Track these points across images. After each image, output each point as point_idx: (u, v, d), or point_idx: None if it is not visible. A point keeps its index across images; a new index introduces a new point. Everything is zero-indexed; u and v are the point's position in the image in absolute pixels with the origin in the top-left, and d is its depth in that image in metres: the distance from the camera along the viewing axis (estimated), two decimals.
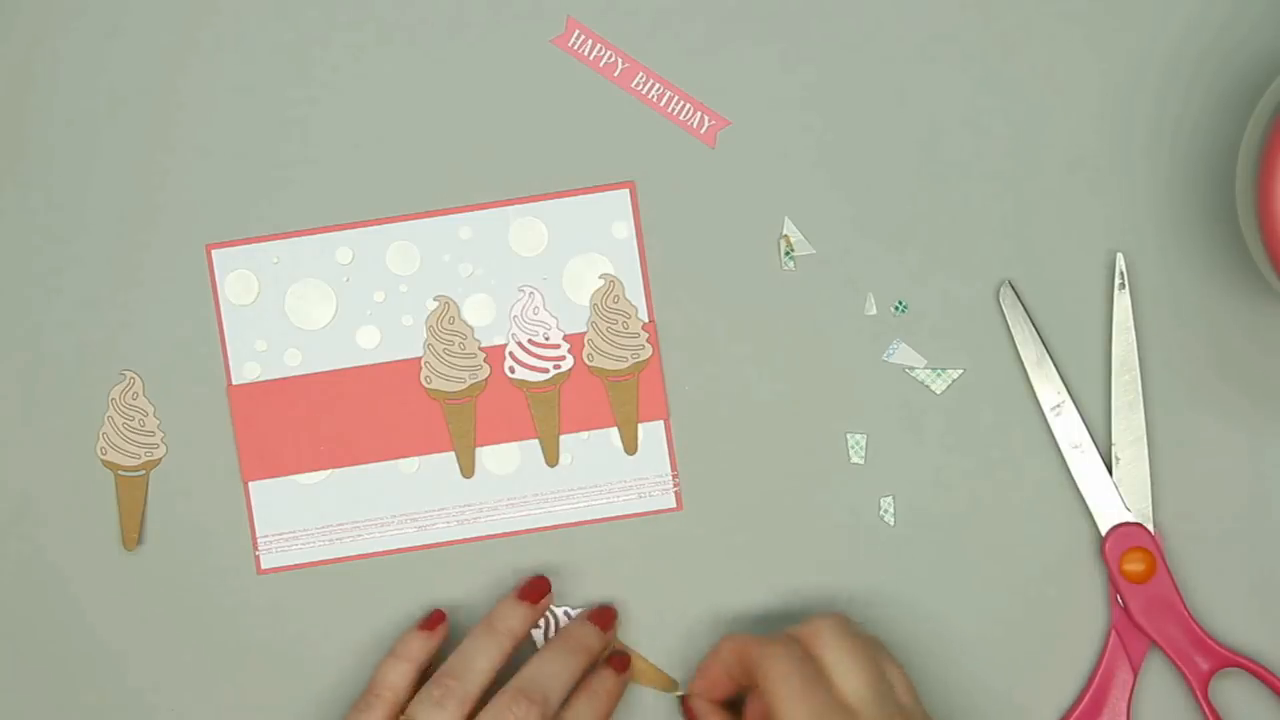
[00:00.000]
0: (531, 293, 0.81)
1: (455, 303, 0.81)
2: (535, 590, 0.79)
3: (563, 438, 0.81)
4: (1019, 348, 0.79)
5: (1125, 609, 0.78)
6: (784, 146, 0.80)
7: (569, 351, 0.80)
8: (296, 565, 0.81)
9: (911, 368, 0.80)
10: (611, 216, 0.80)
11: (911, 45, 0.80)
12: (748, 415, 0.80)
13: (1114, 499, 0.79)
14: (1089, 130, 0.80)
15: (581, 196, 0.80)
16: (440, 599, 0.80)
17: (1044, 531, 0.80)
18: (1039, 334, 0.79)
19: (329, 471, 0.81)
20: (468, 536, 0.81)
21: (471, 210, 0.81)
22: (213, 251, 0.81)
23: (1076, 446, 0.79)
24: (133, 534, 0.81)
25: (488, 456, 0.81)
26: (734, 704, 0.78)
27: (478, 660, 0.76)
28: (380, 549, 0.81)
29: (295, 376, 0.81)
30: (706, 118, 0.80)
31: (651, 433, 0.80)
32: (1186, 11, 0.79)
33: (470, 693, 0.75)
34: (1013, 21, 0.80)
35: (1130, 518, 0.79)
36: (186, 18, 0.81)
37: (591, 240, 0.81)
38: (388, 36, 0.81)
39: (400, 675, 0.77)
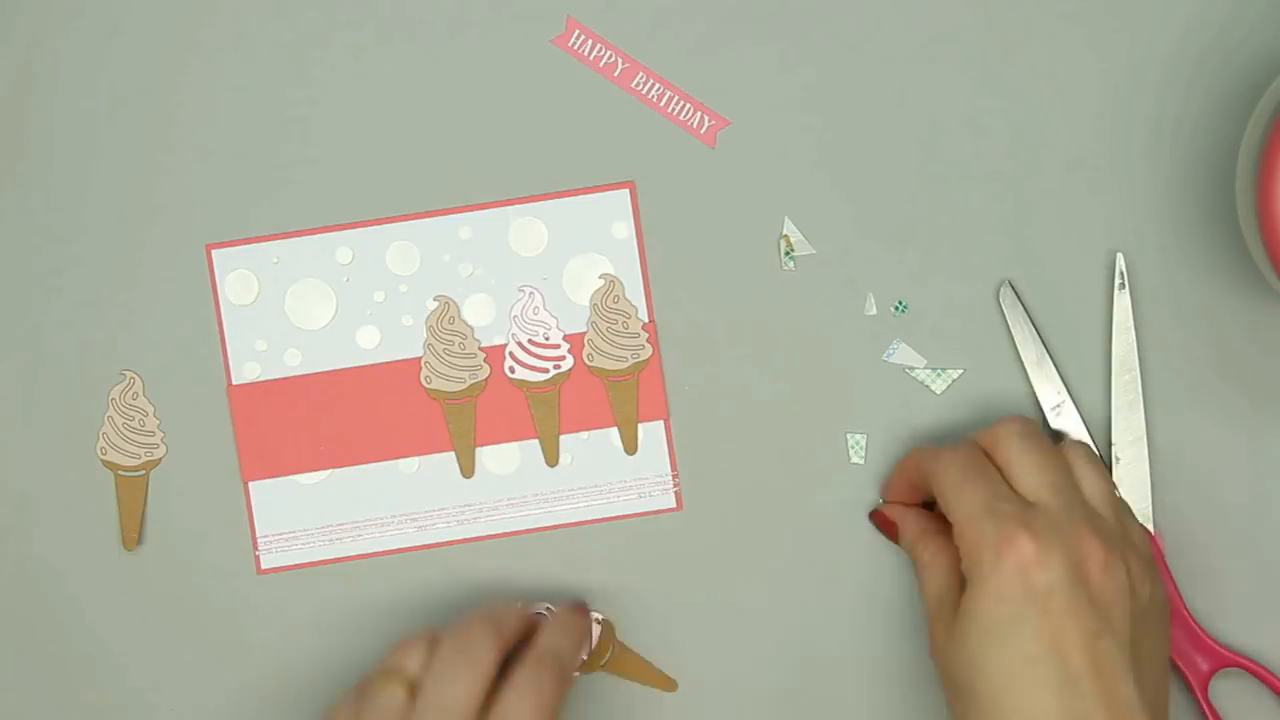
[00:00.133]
0: (531, 293, 0.81)
1: (455, 303, 0.81)
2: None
3: (563, 438, 0.81)
4: (1019, 348, 0.79)
5: None
6: (784, 146, 0.80)
7: (569, 351, 0.80)
8: (296, 565, 0.81)
9: (911, 368, 0.80)
10: (611, 216, 0.81)
11: (911, 45, 0.80)
12: (748, 415, 0.80)
13: None
14: (1089, 130, 0.80)
15: (581, 196, 0.80)
16: (440, 599, 0.80)
17: None
18: (1039, 334, 0.79)
19: (329, 471, 0.81)
20: (468, 536, 0.81)
21: (471, 210, 0.81)
22: (213, 251, 0.81)
23: None
24: (133, 534, 0.81)
25: (488, 456, 0.81)
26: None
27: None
28: (380, 549, 0.81)
29: (295, 376, 0.81)
30: (706, 118, 0.80)
31: (651, 433, 0.80)
32: (1186, 11, 0.79)
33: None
34: (1013, 21, 0.80)
35: None
36: (187, 18, 0.81)
37: (591, 240, 0.81)
38: (388, 36, 0.81)
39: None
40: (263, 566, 0.81)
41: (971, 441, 0.74)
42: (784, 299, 0.80)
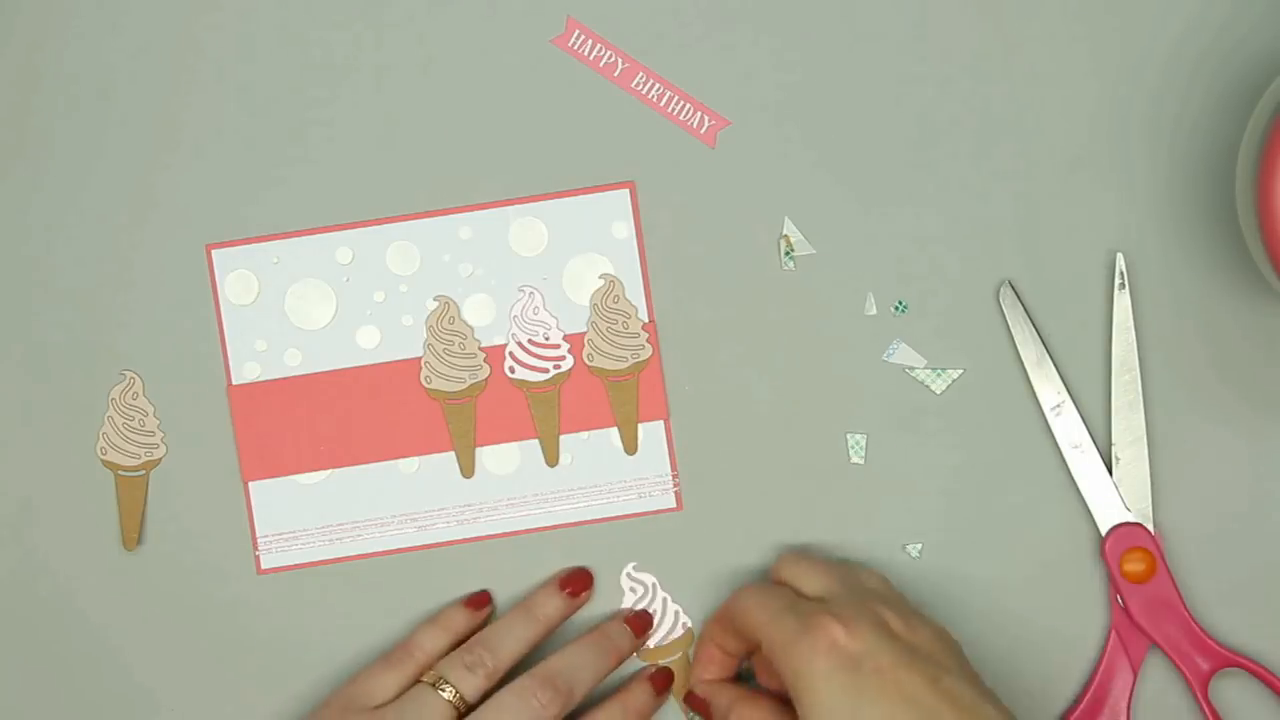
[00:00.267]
0: (531, 293, 0.81)
1: (455, 303, 0.81)
2: (576, 582, 0.79)
3: (563, 438, 0.81)
4: (1019, 348, 0.79)
5: (1125, 609, 0.78)
6: (784, 146, 0.80)
7: (569, 351, 0.80)
8: (296, 565, 0.81)
9: (911, 368, 0.80)
10: (611, 216, 0.80)
11: (911, 45, 0.80)
12: (748, 415, 0.80)
13: (1114, 499, 0.79)
14: (1089, 130, 0.80)
15: (581, 196, 0.80)
16: (440, 599, 0.80)
17: (1044, 531, 0.80)
18: (1039, 334, 0.79)
19: (329, 471, 0.81)
20: (468, 536, 0.81)
21: (471, 210, 0.81)
22: (213, 251, 0.81)
23: (1076, 446, 0.79)
24: (133, 534, 0.81)
25: (488, 456, 0.81)
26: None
27: (510, 639, 0.77)
28: (380, 549, 0.81)
29: (295, 376, 0.81)
30: (706, 118, 0.80)
31: (651, 433, 0.80)
32: (1186, 11, 0.79)
33: (499, 667, 0.76)
34: (1012, 21, 0.80)
35: (1130, 518, 0.79)
36: (187, 18, 0.81)
37: (591, 240, 0.81)
38: (387, 36, 0.81)
39: (435, 641, 0.78)
40: (263, 566, 0.81)
41: (756, 582, 0.77)
42: (784, 299, 0.80)
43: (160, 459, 0.81)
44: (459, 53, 0.81)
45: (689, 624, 0.80)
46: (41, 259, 0.81)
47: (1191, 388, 0.80)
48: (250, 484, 0.81)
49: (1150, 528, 0.79)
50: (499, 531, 0.81)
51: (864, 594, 0.73)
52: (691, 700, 0.78)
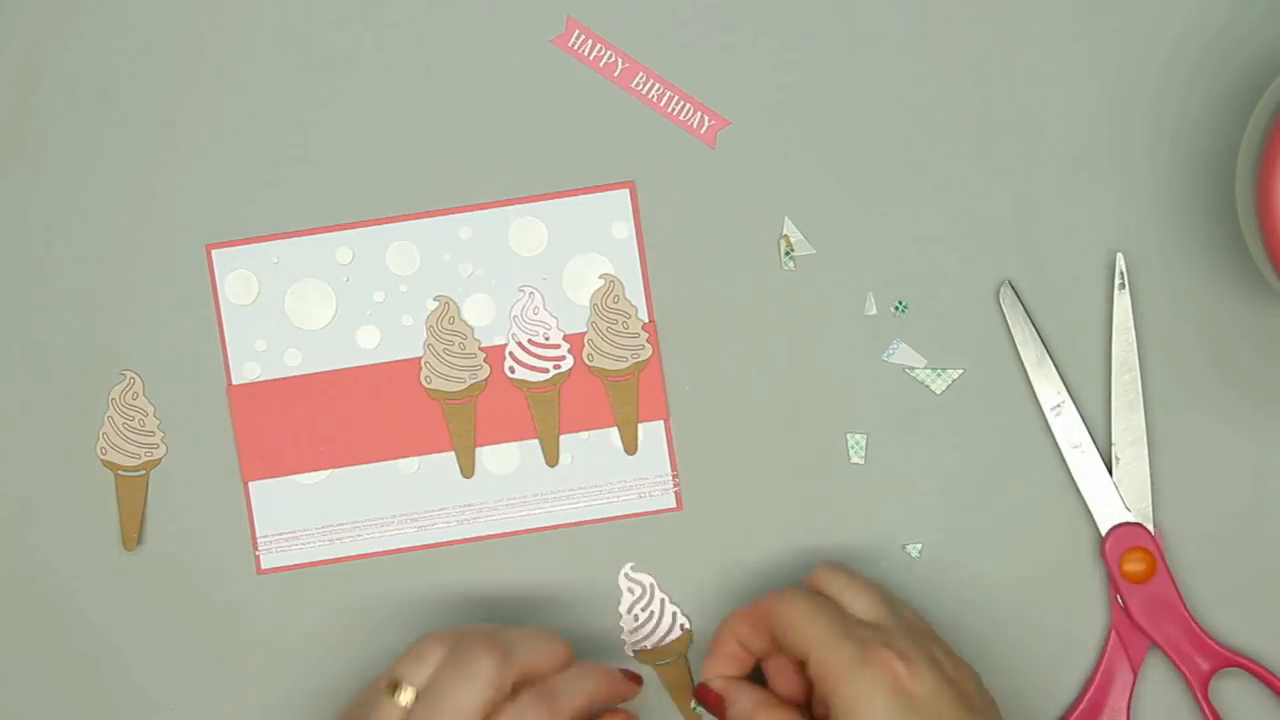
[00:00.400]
0: (531, 293, 0.81)
1: (455, 303, 0.81)
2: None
3: (563, 438, 0.81)
4: (1019, 348, 0.79)
5: (1125, 609, 0.78)
6: (784, 146, 0.80)
7: (569, 351, 0.80)
8: (296, 565, 0.81)
9: (911, 368, 0.80)
10: (611, 216, 0.80)
11: (911, 45, 0.80)
12: (748, 415, 0.80)
13: (1114, 499, 0.79)
14: (1089, 130, 0.80)
15: (581, 196, 0.80)
16: (440, 599, 0.80)
17: (1044, 531, 0.80)
18: (1039, 334, 0.79)
19: (329, 471, 0.81)
20: (468, 536, 0.81)
21: (471, 210, 0.81)
22: (213, 251, 0.81)
23: (1076, 446, 0.79)
24: (133, 534, 0.81)
25: (488, 456, 0.81)
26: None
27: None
28: (380, 549, 0.81)
29: (295, 376, 0.81)
30: (706, 118, 0.80)
31: (651, 433, 0.80)
32: (1186, 11, 0.79)
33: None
34: (1013, 21, 0.80)
35: (1130, 518, 0.79)
36: (187, 17, 0.81)
37: (591, 240, 0.81)
38: (388, 36, 0.81)
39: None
40: (263, 566, 0.81)
41: (794, 587, 0.75)
42: (784, 299, 0.80)
43: (160, 459, 0.81)
44: (459, 53, 0.81)
45: (686, 625, 0.80)
46: (41, 259, 0.81)
47: (1191, 388, 0.79)
48: (250, 484, 0.81)
49: (1150, 528, 0.79)
50: (499, 531, 0.81)
51: (911, 627, 0.73)
52: (705, 694, 0.75)
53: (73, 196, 0.81)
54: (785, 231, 0.80)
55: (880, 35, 0.80)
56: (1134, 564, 0.78)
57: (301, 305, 0.81)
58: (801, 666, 0.73)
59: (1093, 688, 0.79)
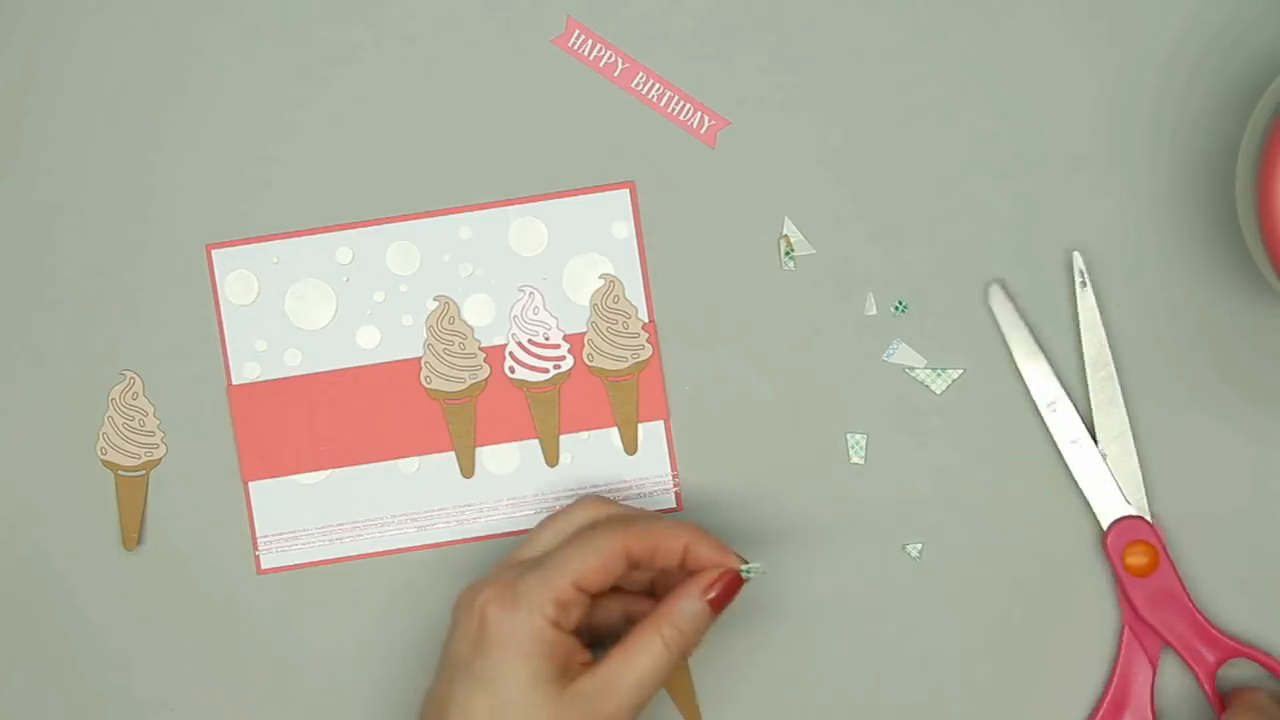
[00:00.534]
0: (531, 293, 0.81)
1: (455, 303, 0.81)
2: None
3: (563, 438, 0.81)
4: (1010, 345, 0.79)
5: (1130, 603, 0.78)
6: (784, 146, 0.80)
7: (569, 351, 0.80)
8: (296, 565, 0.81)
9: (911, 368, 0.80)
10: (611, 216, 0.80)
11: (911, 45, 0.80)
12: (748, 415, 0.80)
13: (1114, 492, 0.79)
14: (1089, 130, 0.80)
15: (581, 196, 0.80)
16: (440, 599, 0.80)
17: (1046, 529, 0.80)
18: (1031, 332, 0.79)
19: (329, 471, 0.81)
20: (468, 536, 0.81)
21: (471, 210, 0.81)
22: (213, 251, 0.81)
23: (1074, 441, 0.79)
24: (133, 534, 0.81)
25: (488, 456, 0.81)
26: None
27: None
28: (380, 549, 0.81)
29: (295, 376, 0.81)
30: (706, 118, 0.80)
31: (651, 433, 0.80)
32: (1186, 11, 0.79)
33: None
34: (1013, 22, 0.80)
35: (1131, 510, 0.79)
36: (187, 18, 0.81)
37: (591, 240, 0.81)
38: (388, 36, 0.81)
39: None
40: (263, 566, 0.81)
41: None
42: (784, 299, 0.80)
43: (160, 459, 0.81)
44: (459, 53, 0.81)
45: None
46: (41, 259, 0.81)
47: (1192, 387, 0.80)
48: (250, 484, 0.81)
49: (1147, 517, 0.79)
50: (499, 531, 0.81)
51: None
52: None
53: (73, 196, 0.81)
54: (785, 231, 0.80)
55: (880, 35, 0.80)
56: (1136, 557, 0.78)
57: (301, 305, 0.81)
58: None
59: (1114, 685, 0.78)
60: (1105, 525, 0.79)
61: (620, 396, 0.80)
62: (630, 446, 0.80)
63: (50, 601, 0.81)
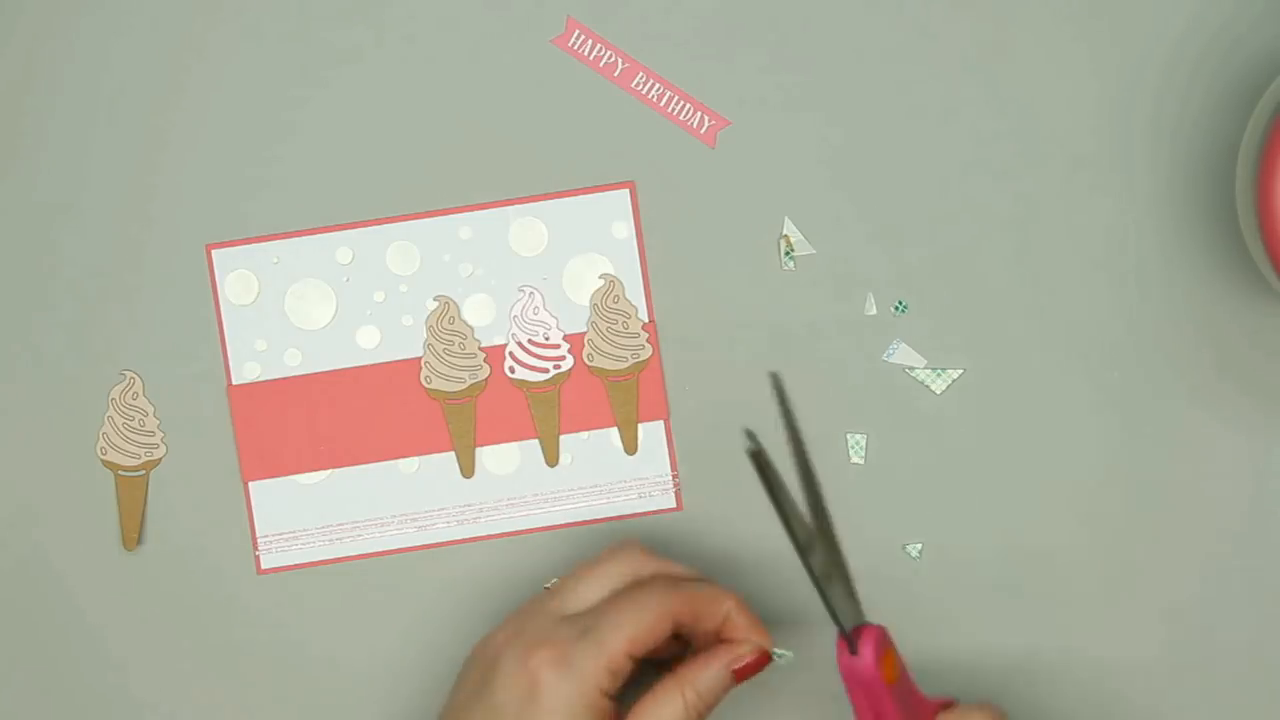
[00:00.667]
0: (531, 293, 0.81)
1: (455, 303, 0.81)
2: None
3: (563, 438, 0.81)
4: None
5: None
6: (784, 146, 0.80)
7: (569, 351, 0.80)
8: (296, 565, 0.81)
9: (911, 368, 0.80)
10: (611, 216, 0.81)
11: (911, 45, 0.80)
12: (748, 415, 0.80)
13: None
14: (1089, 130, 0.80)
15: (581, 196, 0.80)
16: (440, 599, 0.80)
17: (1045, 530, 0.80)
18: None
19: (329, 471, 0.81)
20: (468, 536, 0.81)
21: (471, 210, 0.81)
22: (213, 251, 0.81)
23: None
24: (133, 534, 0.81)
25: (488, 456, 0.81)
26: None
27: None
28: (380, 549, 0.81)
29: (295, 376, 0.81)
30: (706, 118, 0.80)
31: (651, 433, 0.80)
32: (1186, 11, 0.79)
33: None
34: (1013, 22, 0.80)
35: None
36: (187, 18, 0.81)
37: (591, 240, 0.81)
38: (388, 36, 0.81)
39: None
40: (263, 566, 0.81)
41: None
42: (784, 299, 0.80)
43: (160, 459, 0.81)
44: (459, 52, 0.81)
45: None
46: (41, 259, 0.81)
47: (1192, 387, 0.80)
48: (250, 484, 0.81)
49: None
50: (499, 531, 0.81)
51: None
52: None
53: (73, 197, 0.81)
54: (785, 231, 0.80)
55: (880, 35, 0.80)
56: (890, 668, 0.73)
57: (301, 305, 0.81)
58: None
59: None
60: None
61: (620, 396, 0.80)
62: (630, 446, 0.80)
63: (50, 601, 0.81)
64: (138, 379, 0.81)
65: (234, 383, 0.81)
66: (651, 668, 0.74)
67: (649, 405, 0.80)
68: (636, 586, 0.73)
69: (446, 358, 0.80)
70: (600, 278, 0.81)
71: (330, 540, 0.81)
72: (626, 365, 0.80)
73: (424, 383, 0.81)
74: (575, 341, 0.80)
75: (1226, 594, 0.79)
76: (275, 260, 0.81)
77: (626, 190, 0.80)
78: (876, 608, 0.80)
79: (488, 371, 0.80)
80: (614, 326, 0.80)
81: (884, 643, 0.69)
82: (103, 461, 0.81)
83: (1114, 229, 0.80)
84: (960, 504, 0.80)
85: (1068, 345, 0.80)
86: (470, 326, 0.81)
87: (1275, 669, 0.79)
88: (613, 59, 0.80)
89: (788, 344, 0.80)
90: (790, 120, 0.80)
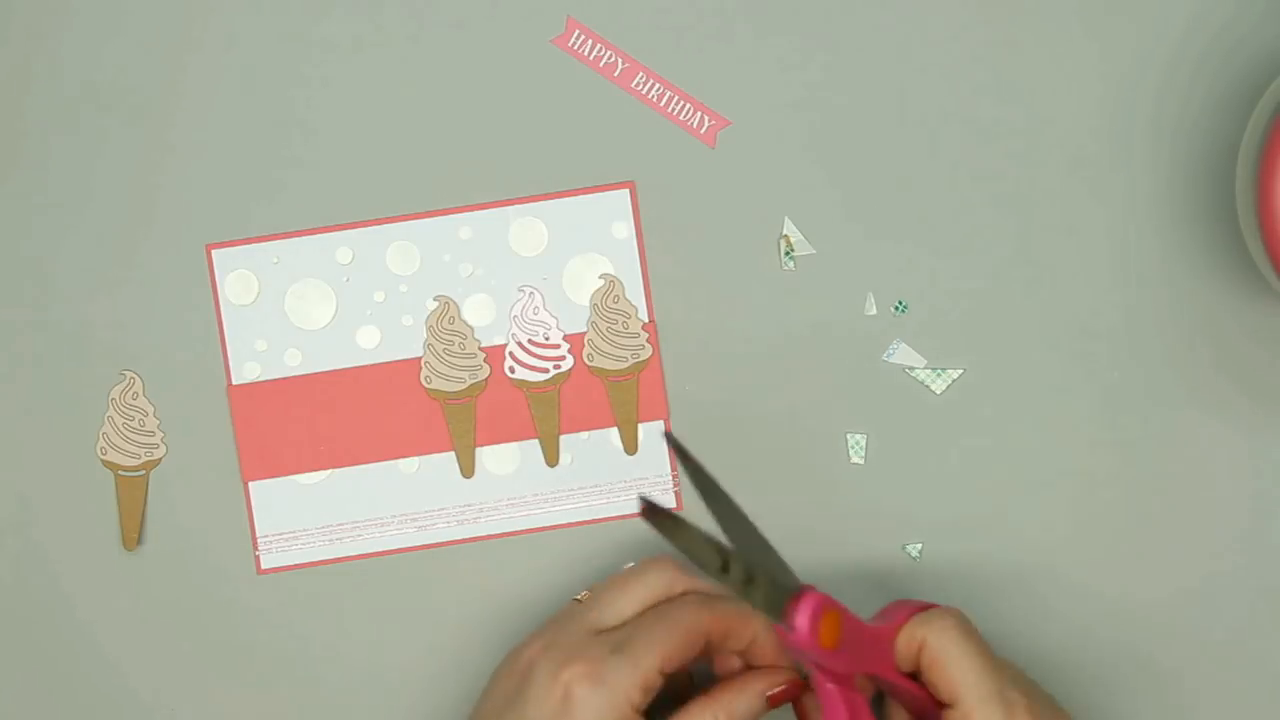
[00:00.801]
0: (531, 293, 0.81)
1: (455, 303, 0.81)
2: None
3: (563, 438, 0.81)
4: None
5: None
6: (784, 146, 0.80)
7: (569, 351, 0.80)
8: (296, 565, 0.81)
9: (911, 368, 0.80)
10: (611, 216, 0.80)
11: (912, 45, 0.80)
12: (748, 415, 0.80)
13: None
14: (1089, 130, 0.80)
15: (581, 196, 0.80)
16: (440, 599, 0.80)
17: (1045, 530, 0.80)
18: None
19: (329, 471, 0.81)
20: (468, 536, 0.81)
21: (471, 210, 0.81)
22: (213, 251, 0.81)
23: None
24: (133, 534, 0.81)
25: (488, 456, 0.81)
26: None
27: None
28: (380, 549, 0.81)
29: (295, 376, 0.81)
30: (706, 118, 0.80)
31: (651, 433, 0.80)
32: (1186, 11, 0.79)
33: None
34: (1013, 21, 0.80)
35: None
36: (186, 17, 0.81)
37: (591, 240, 0.81)
38: (388, 36, 0.81)
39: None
40: (263, 566, 0.81)
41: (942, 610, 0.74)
42: (784, 299, 0.80)
43: (160, 459, 0.81)
44: (459, 52, 0.81)
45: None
46: (41, 259, 0.81)
47: (1192, 387, 0.79)
48: (250, 484, 0.81)
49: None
50: (499, 531, 0.81)
51: (1044, 703, 0.72)
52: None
53: (73, 197, 0.81)
54: (785, 231, 0.80)
55: (881, 35, 0.80)
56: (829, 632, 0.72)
57: (301, 305, 0.81)
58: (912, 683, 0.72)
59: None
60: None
61: (620, 396, 0.80)
62: (630, 446, 0.80)
63: (50, 601, 0.81)
64: (138, 379, 0.81)
65: (234, 383, 0.81)
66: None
67: (649, 405, 0.80)
68: (669, 603, 0.73)
69: (446, 358, 0.80)
70: (600, 278, 0.81)
71: (330, 540, 0.81)
72: (626, 365, 0.80)
73: (424, 383, 0.81)
74: (575, 341, 0.80)
75: (1226, 594, 0.79)
76: (275, 260, 0.81)
77: (626, 190, 0.80)
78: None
79: (488, 371, 0.81)
80: (614, 326, 0.80)
81: (820, 608, 0.68)
82: (103, 461, 0.81)
83: (1114, 229, 0.80)
84: (960, 504, 0.80)
85: (1068, 345, 0.80)
86: (470, 326, 0.81)
87: (1275, 669, 0.79)
88: (613, 59, 0.80)
89: (787, 344, 0.80)
90: (790, 120, 0.80)
